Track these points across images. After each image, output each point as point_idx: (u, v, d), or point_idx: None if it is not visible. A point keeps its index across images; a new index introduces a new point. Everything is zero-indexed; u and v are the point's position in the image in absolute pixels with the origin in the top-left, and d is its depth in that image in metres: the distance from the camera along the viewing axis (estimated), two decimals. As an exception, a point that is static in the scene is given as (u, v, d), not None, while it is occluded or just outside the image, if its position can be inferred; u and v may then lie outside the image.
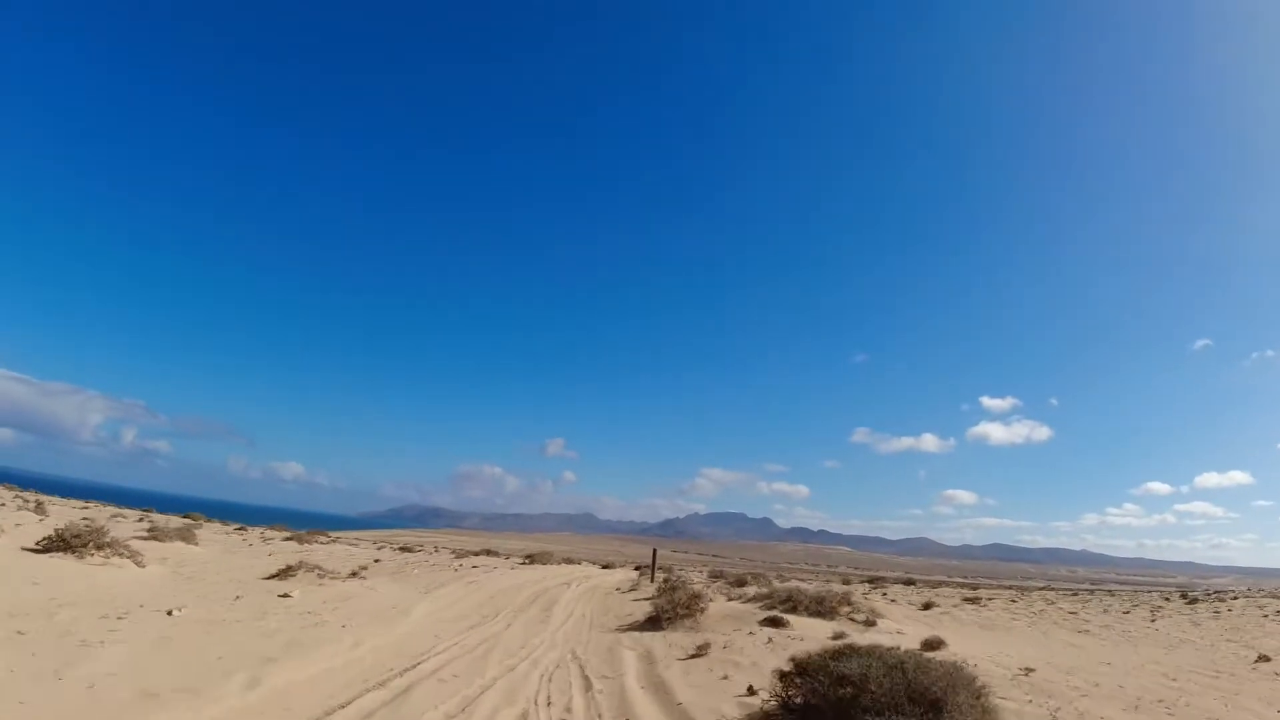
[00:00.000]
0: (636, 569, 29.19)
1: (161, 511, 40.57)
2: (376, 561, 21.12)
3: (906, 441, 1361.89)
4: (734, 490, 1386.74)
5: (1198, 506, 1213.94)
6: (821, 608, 14.38)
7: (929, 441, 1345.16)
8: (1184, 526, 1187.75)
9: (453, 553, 34.99)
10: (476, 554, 33.63)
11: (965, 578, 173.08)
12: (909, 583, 41.29)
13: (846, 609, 14.79)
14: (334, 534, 41.16)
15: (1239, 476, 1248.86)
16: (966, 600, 26.21)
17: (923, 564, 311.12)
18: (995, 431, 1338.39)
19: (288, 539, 25.97)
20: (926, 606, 22.01)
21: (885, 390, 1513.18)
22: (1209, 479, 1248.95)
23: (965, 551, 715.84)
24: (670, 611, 12.70)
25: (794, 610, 14.08)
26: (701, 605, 13.16)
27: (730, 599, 16.49)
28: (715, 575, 30.08)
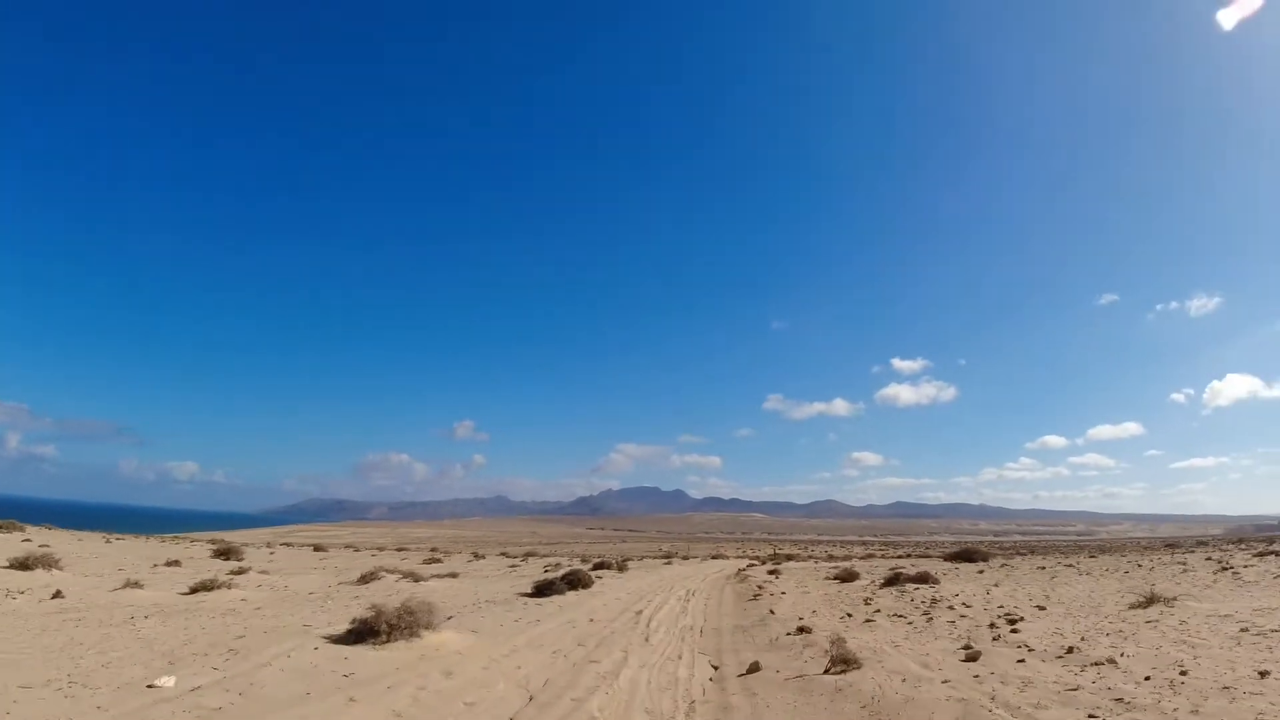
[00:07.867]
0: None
1: (36, 523, 32.45)
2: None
3: (818, 407, 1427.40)
4: (648, 464, 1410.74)
5: (1090, 458, 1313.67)
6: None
7: (840, 406, 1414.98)
8: (1077, 478, 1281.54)
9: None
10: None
11: (876, 537, 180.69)
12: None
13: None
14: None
15: (1131, 428, 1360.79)
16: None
17: (831, 525, 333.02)
18: (904, 393, 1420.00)
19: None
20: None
21: (801, 356, 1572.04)
22: (1102, 431, 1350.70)
23: (870, 511, 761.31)
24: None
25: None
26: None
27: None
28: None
